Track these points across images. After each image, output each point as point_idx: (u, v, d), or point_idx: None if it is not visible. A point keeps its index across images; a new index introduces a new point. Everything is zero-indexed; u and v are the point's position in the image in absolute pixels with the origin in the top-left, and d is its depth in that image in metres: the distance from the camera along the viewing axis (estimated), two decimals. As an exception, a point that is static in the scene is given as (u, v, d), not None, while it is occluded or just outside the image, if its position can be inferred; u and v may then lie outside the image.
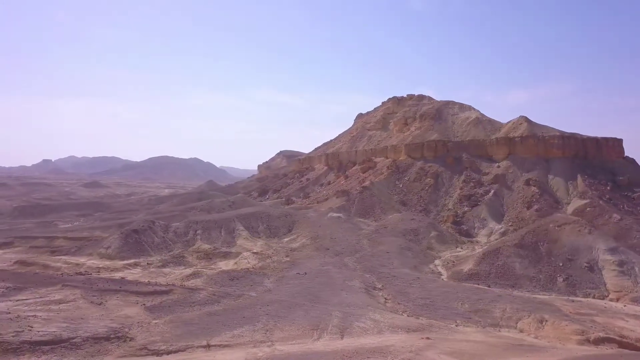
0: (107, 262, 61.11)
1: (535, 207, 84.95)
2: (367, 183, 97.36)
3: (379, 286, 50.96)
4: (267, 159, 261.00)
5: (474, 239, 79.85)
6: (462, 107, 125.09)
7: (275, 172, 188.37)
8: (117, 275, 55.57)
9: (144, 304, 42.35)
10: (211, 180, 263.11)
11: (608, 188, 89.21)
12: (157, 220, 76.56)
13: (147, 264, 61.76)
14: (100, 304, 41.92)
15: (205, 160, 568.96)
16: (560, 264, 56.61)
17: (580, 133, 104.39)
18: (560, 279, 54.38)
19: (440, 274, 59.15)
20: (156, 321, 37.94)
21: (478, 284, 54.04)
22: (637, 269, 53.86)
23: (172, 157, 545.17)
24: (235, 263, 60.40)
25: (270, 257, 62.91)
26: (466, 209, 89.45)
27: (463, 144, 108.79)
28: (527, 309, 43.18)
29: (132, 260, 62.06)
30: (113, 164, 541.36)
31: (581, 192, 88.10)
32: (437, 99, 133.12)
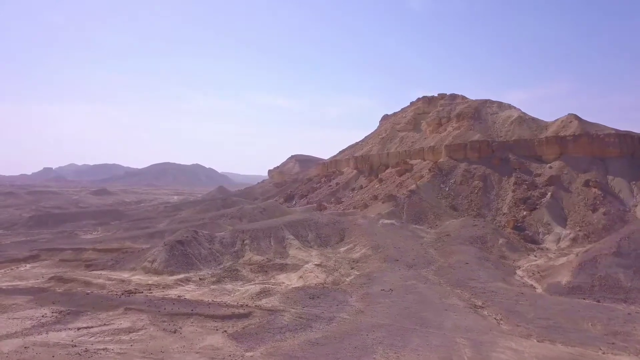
0: (155, 278, 54.46)
1: (602, 210, 78.63)
2: (413, 187, 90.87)
3: (479, 304, 44.41)
4: (278, 164, 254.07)
5: (541, 245, 73.43)
6: (501, 105, 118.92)
7: (294, 177, 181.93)
8: (171, 293, 49.08)
9: (225, 331, 35.92)
10: (222, 186, 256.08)
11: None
12: (199, 230, 69.77)
13: (200, 279, 55.15)
14: (175, 332, 35.38)
15: (207, 167, 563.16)
16: (671, 275, 50.17)
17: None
18: (676, 292, 47.94)
19: (533, 286, 52.61)
20: (250, 354, 31.42)
21: (584, 298, 47.64)
22: None
23: (174, 163, 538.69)
24: (301, 277, 53.72)
25: (337, 270, 56.31)
26: (525, 213, 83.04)
27: (508, 144, 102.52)
28: (671, 329, 36.84)
29: (182, 275, 55.46)
30: (115, 171, 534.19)
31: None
32: (471, 98, 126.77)
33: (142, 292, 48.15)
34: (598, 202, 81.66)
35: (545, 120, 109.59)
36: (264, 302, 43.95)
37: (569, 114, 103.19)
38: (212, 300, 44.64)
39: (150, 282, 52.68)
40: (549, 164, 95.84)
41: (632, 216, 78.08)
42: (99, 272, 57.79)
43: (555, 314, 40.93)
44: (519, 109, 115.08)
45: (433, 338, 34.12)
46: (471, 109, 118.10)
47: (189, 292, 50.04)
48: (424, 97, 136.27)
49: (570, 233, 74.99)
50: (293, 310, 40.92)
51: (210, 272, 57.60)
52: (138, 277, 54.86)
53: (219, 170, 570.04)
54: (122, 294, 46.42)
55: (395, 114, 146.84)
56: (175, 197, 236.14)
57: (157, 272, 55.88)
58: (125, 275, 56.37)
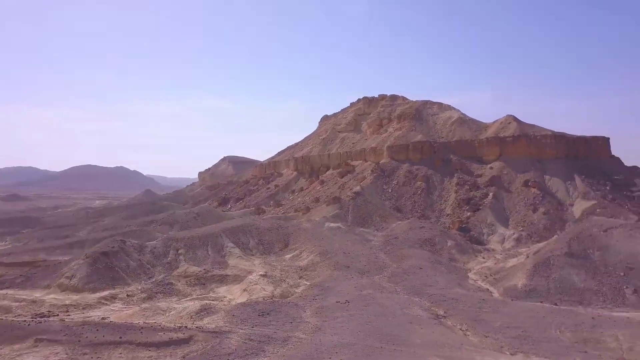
0: (74, 297, 47.22)
1: (542, 209, 79.50)
2: (357, 188, 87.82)
3: (442, 313, 41.41)
4: (209, 166, 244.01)
5: (486, 246, 72.70)
6: (442, 106, 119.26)
7: (228, 179, 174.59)
8: (94, 314, 42.47)
9: (162, 362, 30.06)
10: (149, 189, 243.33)
11: (608, 188, 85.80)
12: (126, 239, 62.36)
13: (128, 295, 48.47)
14: (99, 368, 29.10)
15: (131, 169, 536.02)
16: (622, 274, 49.84)
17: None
18: (628, 292, 47.51)
19: (489, 291, 50.62)
20: (194, 391, 26.04)
21: (542, 302, 46.12)
22: None
23: (96, 166, 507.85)
24: (246, 290, 48.43)
25: (284, 281, 51.54)
26: (468, 213, 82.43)
27: (450, 144, 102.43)
28: (637, 334, 35.39)
29: (106, 292, 48.48)
30: (29, 174, 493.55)
31: (583, 193, 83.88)
32: (411, 99, 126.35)
33: (58, 315, 40.98)
34: (537, 202, 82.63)
35: (484, 121, 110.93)
36: (206, 322, 38.31)
37: (507, 115, 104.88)
38: (145, 323, 38.38)
39: (67, 302, 45.38)
40: (489, 165, 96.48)
41: (570, 215, 79.48)
42: (4, 292, 49.33)
43: (522, 321, 38.60)
44: (459, 110, 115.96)
45: (404, 358, 30.32)
46: (412, 109, 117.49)
47: (115, 312, 43.39)
48: (364, 97, 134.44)
49: (513, 233, 74.92)
50: (241, 331, 35.65)
51: (140, 287, 50.90)
52: (53, 297, 47.25)
53: (145, 173, 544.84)
54: (33, 319, 38.91)
55: (335, 114, 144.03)
56: (98, 202, 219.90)
57: (76, 290, 48.45)
58: (37, 294, 48.51)
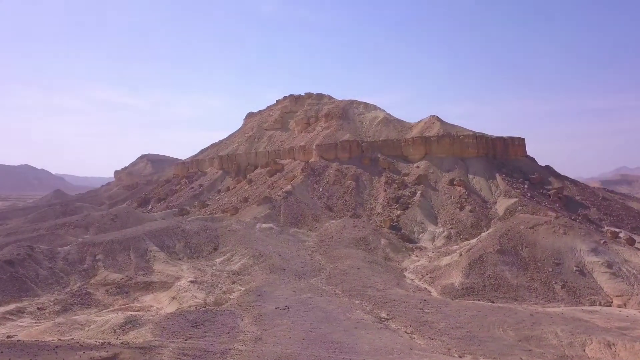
0: (-27, 313, 40.76)
1: (468, 207, 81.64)
2: (289, 187, 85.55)
3: (384, 315, 40.29)
4: (125, 165, 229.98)
5: (418, 244, 73.32)
6: (367, 106, 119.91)
7: (147, 178, 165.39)
8: (-2, 333, 36.68)
9: (82, 388, 26.14)
10: (59, 189, 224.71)
11: (526, 186, 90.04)
12: (35, 244, 55.69)
13: (38, 308, 42.94)
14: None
15: (38, 167, 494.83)
16: (550, 270, 51.77)
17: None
18: (557, 287, 49.32)
19: (427, 290, 50.43)
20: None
21: (479, 300, 46.63)
22: (624, 269, 51.17)
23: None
24: (175, 298, 44.51)
25: (217, 287, 48.13)
26: (398, 212, 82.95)
27: (377, 144, 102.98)
28: (574, 330, 36.35)
29: (13, 306, 42.84)
30: None
31: (504, 191, 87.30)
32: (337, 98, 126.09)
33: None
34: (463, 200, 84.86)
35: (408, 121, 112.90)
36: (132, 336, 34.32)
37: (431, 116, 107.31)
38: (60, 340, 33.59)
39: (-36, 319, 39.09)
40: (415, 164, 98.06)
41: (494, 212, 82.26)
42: None
43: (465, 321, 38.35)
44: (384, 110, 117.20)
45: (354, 368, 28.56)
46: (339, 109, 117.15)
47: (24, 328, 38.07)
48: (290, 95, 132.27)
49: (443, 231, 76.15)
50: (173, 345, 32.13)
51: (52, 299, 45.42)
52: (-55, 314, 40.57)
53: (53, 172, 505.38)
54: None
55: (261, 112, 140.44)
56: (0, 203, 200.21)
57: (-26, 305, 42.07)
58: None
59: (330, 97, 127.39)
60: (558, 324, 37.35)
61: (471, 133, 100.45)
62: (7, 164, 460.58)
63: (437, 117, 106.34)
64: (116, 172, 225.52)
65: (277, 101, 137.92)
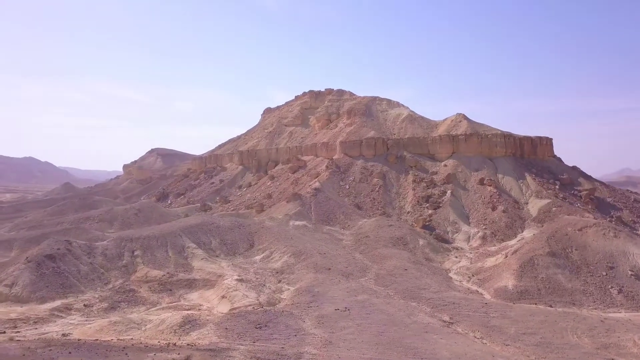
0: (19, 309, 39.54)
1: (501, 207, 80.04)
2: (317, 184, 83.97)
3: (447, 319, 38.76)
4: (134, 159, 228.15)
5: (453, 244, 71.74)
6: (390, 103, 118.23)
7: (161, 173, 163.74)
8: (50, 329, 35.47)
9: (161, 395, 24.62)
10: (68, 182, 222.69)
11: (557, 187, 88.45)
12: (70, 239, 54.15)
13: (85, 305, 41.41)
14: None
15: (42, 160, 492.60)
16: (604, 274, 50.26)
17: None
18: (614, 292, 47.81)
19: (479, 292, 48.92)
20: None
21: (536, 303, 45.10)
22: (680, 274, 49.67)
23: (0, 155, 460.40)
24: (225, 297, 42.98)
25: (264, 285, 46.64)
26: (430, 211, 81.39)
27: (402, 141, 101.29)
28: (649, 337, 34.88)
29: (58, 302, 41.22)
30: None
31: (536, 192, 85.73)
32: (357, 94, 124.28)
33: (5, 333, 33.45)
34: (495, 200, 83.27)
35: (433, 119, 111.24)
36: (195, 337, 32.85)
37: (457, 114, 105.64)
38: (119, 340, 32.09)
39: (13, 315, 37.63)
40: (443, 162, 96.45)
41: (527, 213, 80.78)
42: None
43: (535, 326, 36.86)
44: (408, 107, 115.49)
45: (443, 376, 27.06)
46: (362, 105, 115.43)
47: (77, 326, 36.50)
48: (310, 91, 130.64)
49: (478, 231, 74.58)
50: (242, 347, 30.64)
51: (97, 295, 43.90)
52: (-9, 310, 39.09)
53: (58, 165, 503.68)
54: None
55: (279, 107, 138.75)
56: (8, 195, 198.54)
57: (20, 300, 40.70)
58: (-33, 308, 39.94)
59: (351, 94, 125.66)
60: (633, 331, 35.88)
61: (499, 132, 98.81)
62: (11, 156, 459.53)
63: (463, 115, 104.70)
64: (125, 166, 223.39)
65: (296, 97, 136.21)
